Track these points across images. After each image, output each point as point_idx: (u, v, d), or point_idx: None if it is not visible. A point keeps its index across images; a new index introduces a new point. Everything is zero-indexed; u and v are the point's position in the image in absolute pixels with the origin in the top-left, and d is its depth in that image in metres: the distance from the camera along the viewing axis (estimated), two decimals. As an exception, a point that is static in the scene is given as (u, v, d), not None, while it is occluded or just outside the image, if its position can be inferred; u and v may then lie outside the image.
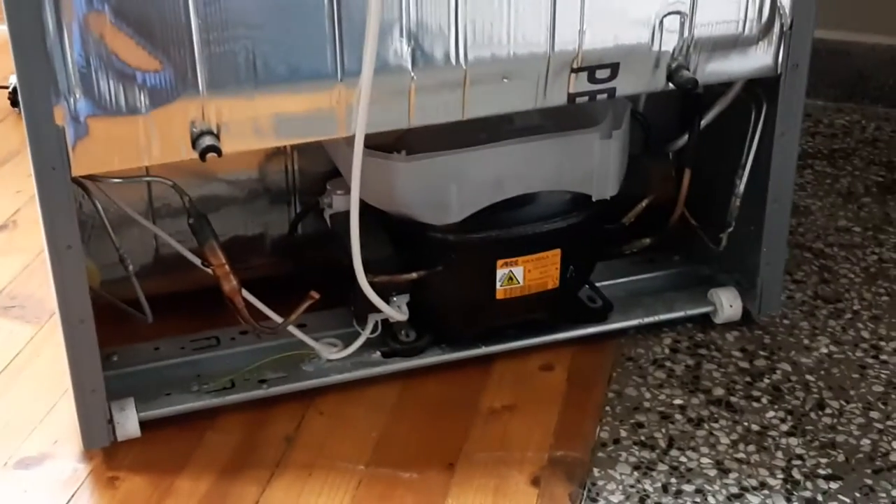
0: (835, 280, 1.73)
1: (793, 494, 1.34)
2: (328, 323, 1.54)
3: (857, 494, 1.34)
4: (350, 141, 1.29)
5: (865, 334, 1.61)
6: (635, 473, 1.37)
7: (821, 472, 1.38)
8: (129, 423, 1.39)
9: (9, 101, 2.22)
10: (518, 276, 1.46)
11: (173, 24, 1.18)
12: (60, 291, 1.28)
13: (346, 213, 1.36)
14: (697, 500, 1.34)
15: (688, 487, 1.35)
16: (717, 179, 1.57)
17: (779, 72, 1.44)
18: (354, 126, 1.28)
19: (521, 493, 1.35)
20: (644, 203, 1.57)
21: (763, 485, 1.36)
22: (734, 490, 1.35)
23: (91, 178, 1.31)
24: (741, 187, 1.54)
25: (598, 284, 1.62)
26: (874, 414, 1.47)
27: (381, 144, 1.40)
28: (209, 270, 1.38)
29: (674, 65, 1.38)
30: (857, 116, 2.24)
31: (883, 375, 1.53)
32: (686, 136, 1.55)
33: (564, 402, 1.49)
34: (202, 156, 1.23)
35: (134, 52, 1.18)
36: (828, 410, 1.47)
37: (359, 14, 1.23)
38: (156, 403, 1.42)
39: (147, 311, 1.46)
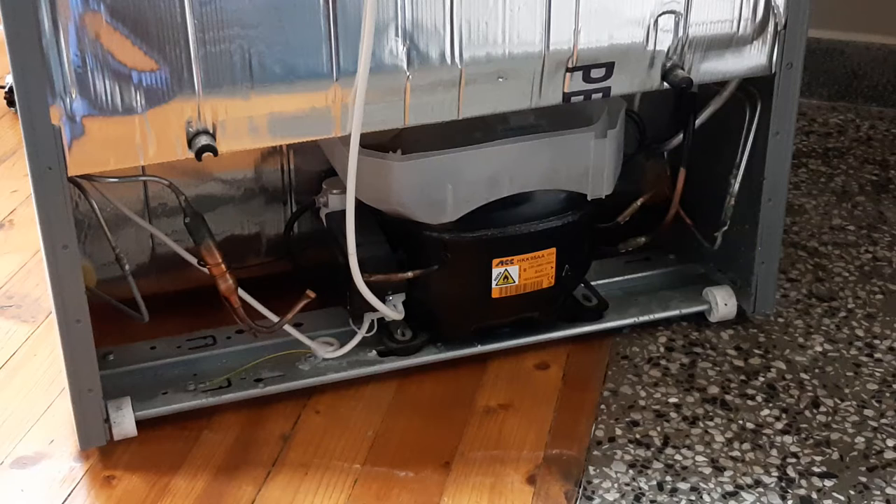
0: (829, 278, 1.74)
1: (787, 492, 1.35)
2: (324, 322, 1.54)
3: (852, 492, 1.35)
4: (346, 140, 1.29)
5: (860, 332, 1.62)
6: (630, 471, 1.38)
7: (815, 469, 1.38)
8: (125, 422, 1.39)
9: (5, 101, 2.22)
10: (513, 274, 1.46)
11: (169, 23, 1.18)
12: (57, 291, 1.28)
13: (342, 213, 1.36)
14: (692, 498, 1.34)
15: (683, 485, 1.36)
16: (712, 178, 1.57)
17: (773, 71, 1.44)
18: (350, 125, 1.28)
19: (516, 491, 1.35)
20: (639, 202, 1.58)
21: (758, 483, 1.36)
22: (729, 488, 1.35)
23: (87, 177, 1.31)
24: (736, 186, 1.54)
25: (593, 283, 1.62)
26: (868, 412, 1.47)
27: (377, 144, 1.41)
28: (205, 270, 1.38)
29: (668, 64, 1.39)
30: (851, 115, 2.25)
31: (877, 373, 1.54)
32: (681, 136, 1.55)
33: (560, 401, 1.49)
34: (198, 155, 1.23)
35: (130, 51, 1.18)
36: (822, 409, 1.48)
37: (354, 13, 1.23)
38: (152, 402, 1.43)
39: (143, 311, 1.46)
